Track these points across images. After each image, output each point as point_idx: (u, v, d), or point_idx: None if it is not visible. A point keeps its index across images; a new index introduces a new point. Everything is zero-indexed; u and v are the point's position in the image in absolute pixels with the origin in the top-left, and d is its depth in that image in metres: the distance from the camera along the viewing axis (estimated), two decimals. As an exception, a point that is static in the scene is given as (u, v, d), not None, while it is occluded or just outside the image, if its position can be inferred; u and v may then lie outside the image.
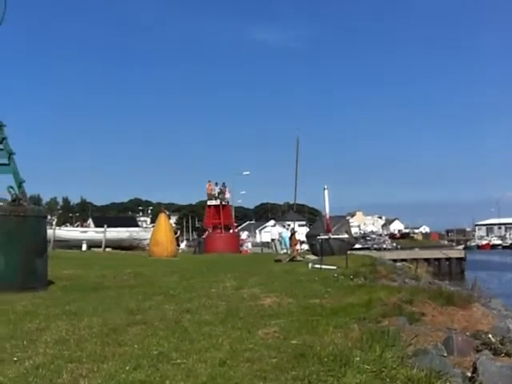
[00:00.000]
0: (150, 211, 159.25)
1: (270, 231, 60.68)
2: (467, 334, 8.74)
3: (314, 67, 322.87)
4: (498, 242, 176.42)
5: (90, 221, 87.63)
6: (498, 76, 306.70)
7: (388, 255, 55.47)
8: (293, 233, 40.54)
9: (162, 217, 35.37)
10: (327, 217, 24.80)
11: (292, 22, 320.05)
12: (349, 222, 37.89)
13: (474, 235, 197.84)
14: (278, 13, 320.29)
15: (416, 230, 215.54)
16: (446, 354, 7.25)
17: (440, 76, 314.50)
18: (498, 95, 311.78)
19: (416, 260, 50.44)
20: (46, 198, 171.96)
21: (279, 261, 25.63)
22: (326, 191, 23.47)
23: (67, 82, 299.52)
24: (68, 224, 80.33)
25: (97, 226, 61.23)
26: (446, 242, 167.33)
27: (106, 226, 48.69)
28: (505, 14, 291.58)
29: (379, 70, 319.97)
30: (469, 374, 6.50)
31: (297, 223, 59.98)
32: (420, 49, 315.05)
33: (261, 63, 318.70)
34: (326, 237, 24.44)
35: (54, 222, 54.53)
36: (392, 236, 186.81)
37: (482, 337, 8.39)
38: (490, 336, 8.31)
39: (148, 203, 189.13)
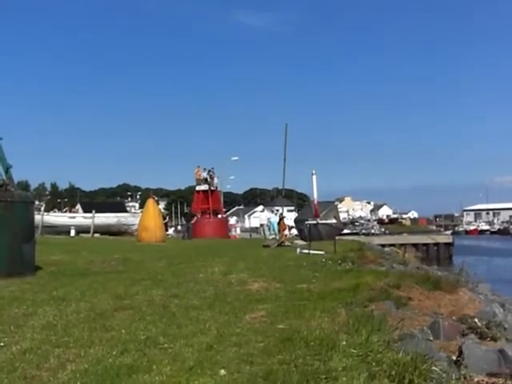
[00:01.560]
0: (138, 196, 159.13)
1: (259, 216, 60.85)
2: (453, 318, 8.80)
3: (301, 51, 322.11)
4: (486, 227, 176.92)
5: (78, 206, 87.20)
6: (485, 58, 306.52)
7: (376, 240, 55.64)
8: (281, 218, 40.53)
9: (151, 202, 35.30)
10: (315, 202, 24.82)
11: (280, 5, 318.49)
12: (337, 208, 37.86)
13: (462, 220, 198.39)
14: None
15: (404, 216, 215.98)
16: (432, 338, 7.29)
17: (428, 58, 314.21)
18: (485, 80, 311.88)
19: (404, 245, 50.83)
20: (34, 184, 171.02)
21: (267, 246, 25.66)
22: (314, 176, 23.49)
23: (56, 67, 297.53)
24: (56, 210, 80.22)
25: (85, 211, 61.03)
26: (434, 228, 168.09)
27: (94, 211, 48.62)
28: None
29: (367, 53, 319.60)
30: (454, 358, 6.54)
31: (285, 208, 60.10)
32: (408, 34, 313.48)
33: (248, 46, 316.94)
34: (315, 222, 24.47)
35: (42, 208, 54.39)
36: (380, 221, 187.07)
37: (468, 321, 8.43)
38: (476, 320, 8.35)
39: (137, 188, 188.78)
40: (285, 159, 29.53)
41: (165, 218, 45.83)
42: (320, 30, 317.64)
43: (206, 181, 51.89)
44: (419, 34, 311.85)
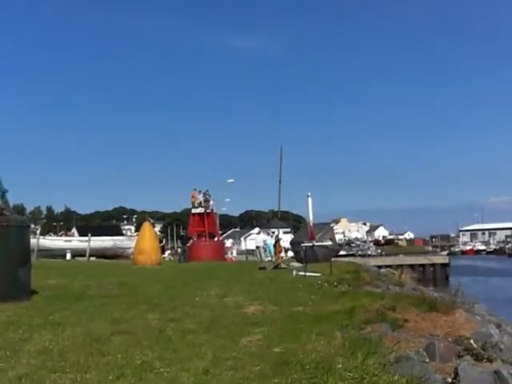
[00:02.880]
0: (134, 219, 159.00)
1: (255, 239, 60.55)
2: (449, 339, 8.79)
3: (295, 72, 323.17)
4: (482, 247, 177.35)
5: (74, 230, 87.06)
6: (481, 79, 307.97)
7: (373, 262, 55.62)
8: (277, 240, 40.54)
9: (147, 225, 35.28)
10: (311, 224, 24.85)
11: (269, 28, 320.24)
12: (333, 229, 38.00)
13: (458, 241, 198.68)
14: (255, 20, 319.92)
15: (400, 237, 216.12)
16: (427, 360, 7.29)
17: (423, 78, 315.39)
18: (480, 100, 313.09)
19: (401, 266, 50.63)
20: (29, 207, 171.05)
21: (264, 268, 25.65)
22: (310, 198, 23.52)
23: (49, 86, 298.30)
24: (52, 233, 79.98)
25: (81, 234, 60.94)
26: (430, 248, 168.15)
27: (90, 234, 48.55)
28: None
29: (364, 72, 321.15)
30: (450, 380, 6.55)
31: (281, 230, 60.09)
32: (402, 47, 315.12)
33: (238, 69, 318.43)
34: (310, 244, 24.49)
35: (37, 231, 54.20)
36: (377, 242, 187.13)
37: (464, 342, 8.43)
38: (471, 341, 8.35)
39: (132, 211, 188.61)
40: (280, 181, 29.77)
41: (161, 241, 45.85)
42: (311, 51, 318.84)
43: (201, 204, 51.92)
44: (412, 55, 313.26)
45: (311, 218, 24.65)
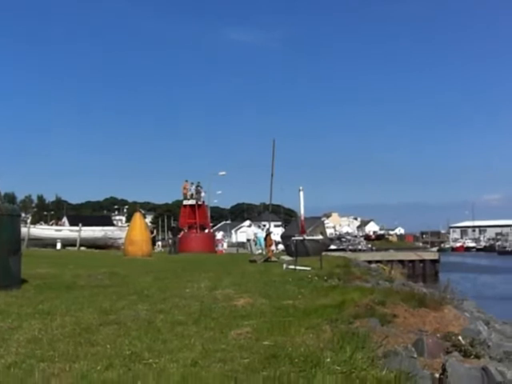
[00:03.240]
0: (125, 210, 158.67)
1: (246, 231, 60.72)
2: (438, 335, 8.83)
3: (289, 67, 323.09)
4: (472, 244, 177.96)
5: (64, 219, 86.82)
6: (475, 79, 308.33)
7: (363, 256, 55.63)
8: (268, 233, 40.57)
9: (137, 216, 35.30)
10: (302, 218, 24.90)
11: (267, 22, 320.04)
12: (324, 224, 38.09)
13: (448, 237, 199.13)
14: (252, 15, 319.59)
15: (391, 232, 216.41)
16: (416, 356, 7.32)
17: (419, 76, 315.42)
18: (471, 99, 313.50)
19: (391, 262, 50.79)
20: (20, 196, 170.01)
21: (254, 261, 25.68)
22: (301, 192, 23.60)
23: (43, 77, 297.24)
24: (42, 222, 79.79)
25: (72, 224, 60.76)
26: (420, 244, 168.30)
27: (80, 224, 48.49)
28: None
29: (355, 70, 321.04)
30: (437, 376, 6.58)
31: (272, 224, 60.08)
32: (396, 48, 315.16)
33: (236, 62, 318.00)
34: (301, 238, 24.54)
35: (28, 221, 54.14)
36: (367, 237, 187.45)
37: (452, 338, 8.48)
38: (460, 338, 8.40)
39: (124, 202, 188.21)
40: (272, 174, 29.81)
41: (152, 232, 45.79)
42: (306, 45, 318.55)
43: (193, 195, 51.93)
44: (406, 52, 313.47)
45: (302, 211, 24.72)
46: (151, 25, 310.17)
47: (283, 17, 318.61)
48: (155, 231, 57.94)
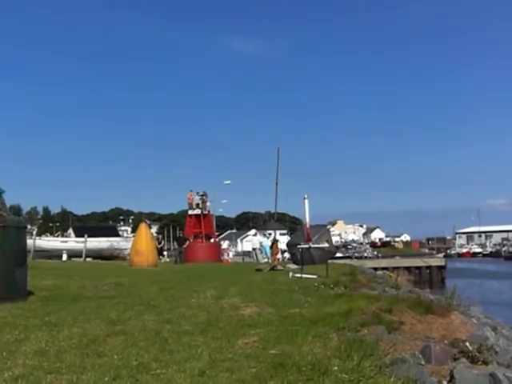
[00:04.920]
0: (131, 220, 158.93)
1: (251, 240, 60.62)
2: (445, 342, 8.81)
3: (292, 75, 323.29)
4: (479, 250, 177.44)
5: (70, 230, 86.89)
6: (479, 82, 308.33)
7: (369, 264, 55.62)
8: (274, 242, 40.52)
9: (143, 226, 35.28)
10: (308, 226, 24.86)
11: (270, 31, 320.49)
12: (329, 231, 37.99)
13: (454, 243, 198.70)
14: (254, 24, 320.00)
15: (397, 239, 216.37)
16: (423, 363, 7.30)
17: (423, 82, 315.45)
18: (478, 102, 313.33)
19: (397, 268, 50.72)
20: (26, 208, 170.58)
21: (260, 270, 25.67)
22: (307, 201, 23.53)
23: (48, 87, 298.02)
24: (48, 234, 79.89)
25: (77, 235, 60.85)
26: (426, 251, 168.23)
27: (86, 235, 48.52)
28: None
29: (361, 76, 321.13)
30: (445, 382, 6.57)
31: (278, 232, 59.96)
32: (399, 54, 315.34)
33: (238, 72, 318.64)
34: (307, 246, 24.48)
35: (34, 232, 54.21)
36: (373, 244, 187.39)
37: (459, 345, 8.45)
38: (467, 344, 8.37)
39: (129, 212, 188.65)
40: (277, 183, 29.65)
41: (160, 243, 45.83)
42: (309, 54, 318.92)
43: (198, 205, 51.96)
44: (410, 58, 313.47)
45: (308, 219, 24.66)
46: (154, 34, 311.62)
47: (286, 26, 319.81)
48: (163, 241, 57.96)
